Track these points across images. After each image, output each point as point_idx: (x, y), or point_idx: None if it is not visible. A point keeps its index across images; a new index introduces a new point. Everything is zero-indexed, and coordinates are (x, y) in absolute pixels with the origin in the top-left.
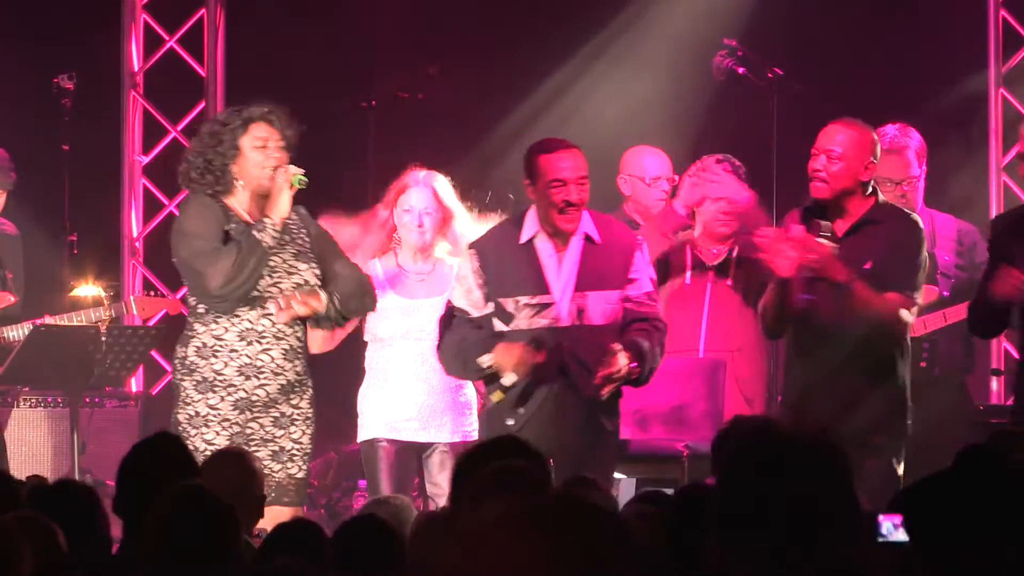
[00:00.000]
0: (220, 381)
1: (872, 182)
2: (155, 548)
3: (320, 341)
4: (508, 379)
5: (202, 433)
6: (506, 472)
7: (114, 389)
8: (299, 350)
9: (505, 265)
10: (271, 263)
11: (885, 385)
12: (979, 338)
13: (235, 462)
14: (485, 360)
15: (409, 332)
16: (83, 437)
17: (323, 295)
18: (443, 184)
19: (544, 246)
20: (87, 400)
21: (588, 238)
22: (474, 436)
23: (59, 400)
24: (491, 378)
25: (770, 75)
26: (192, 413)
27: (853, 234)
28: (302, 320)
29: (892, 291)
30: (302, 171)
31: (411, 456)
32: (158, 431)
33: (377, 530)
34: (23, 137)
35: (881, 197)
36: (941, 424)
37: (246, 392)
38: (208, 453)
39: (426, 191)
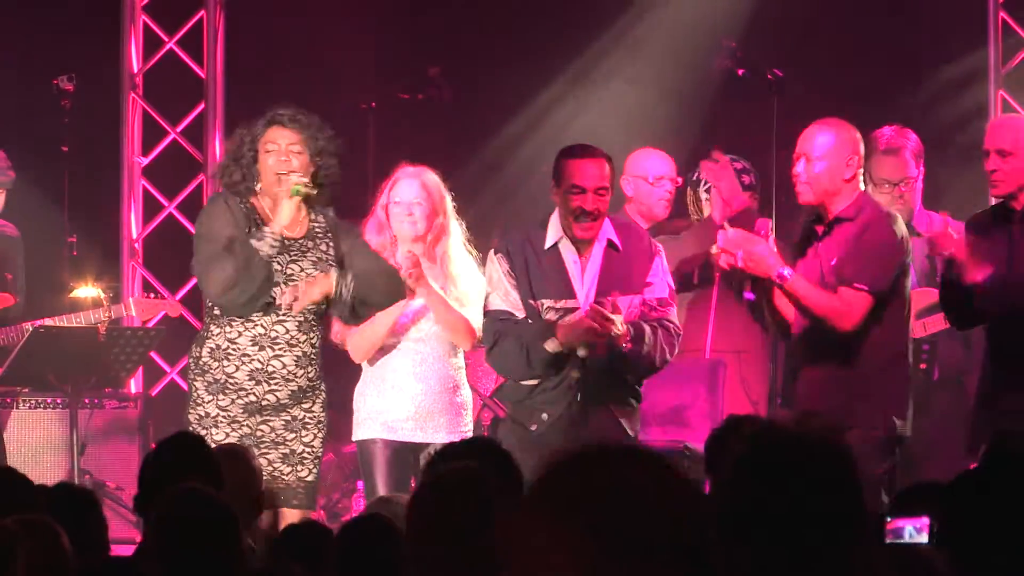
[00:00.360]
0: (231, 384)
1: (859, 179)
2: (155, 550)
3: (359, 351)
4: (582, 351)
5: (212, 434)
6: (453, 475)
7: (113, 390)
8: (312, 356)
9: (531, 268)
10: (288, 271)
11: (848, 380)
12: (961, 329)
13: (234, 460)
14: (551, 346)
15: (407, 331)
16: (82, 438)
17: (333, 274)
18: (432, 178)
19: (568, 251)
20: (86, 401)
21: (611, 244)
22: (469, 436)
23: (58, 401)
24: (559, 360)
25: (770, 76)
26: (203, 413)
27: (828, 232)
28: (316, 324)
29: (844, 285)
30: (305, 180)
31: (408, 456)
32: (179, 431)
33: (381, 531)
34: (23, 138)
35: (868, 192)
36: (941, 425)
37: (256, 396)
38: None
39: (415, 183)
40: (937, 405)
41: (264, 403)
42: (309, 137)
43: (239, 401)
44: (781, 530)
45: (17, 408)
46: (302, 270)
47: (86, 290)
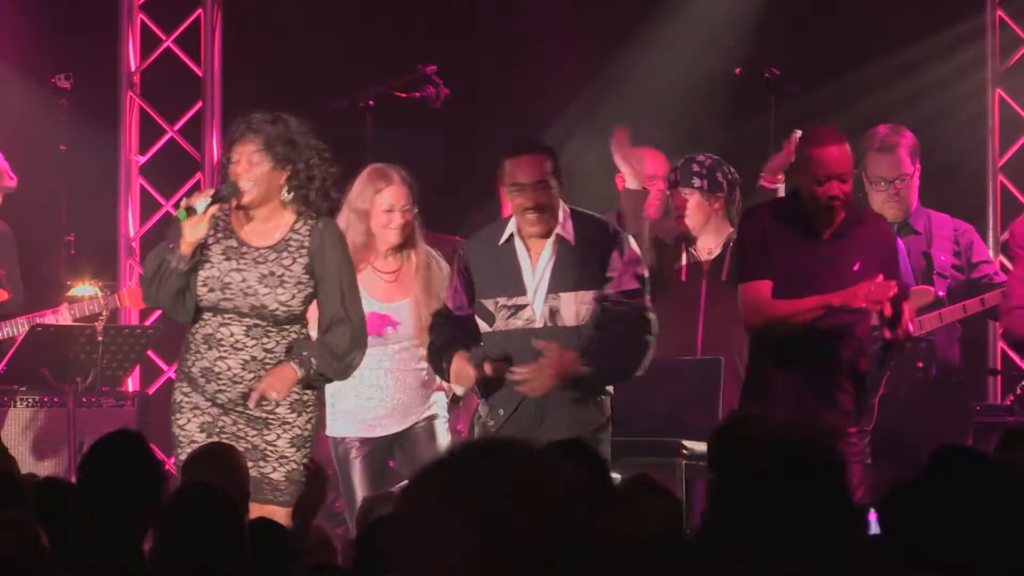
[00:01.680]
0: (191, 376)
1: None
2: (164, 546)
3: None
4: (457, 389)
5: (176, 419)
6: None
7: (111, 389)
8: (266, 362)
9: (487, 266)
10: (226, 280)
11: (856, 382)
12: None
13: (219, 458)
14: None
15: (387, 337)
16: (80, 437)
17: (299, 371)
18: (409, 179)
19: (520, 247)
20: (84, 400)
21: (562, 238)
22: (436, 412)
23: (56, 400)
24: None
25: (768, 75)
26: (173, 400)
27: (839, 237)
28: (272, 330)
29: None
30: (199, 201)
31: (384, 450)
32: (119, 428)
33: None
34: (20, 137)
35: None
36: (939, 424)
37: (209, 393)
38: (182, 439)
39: (403, 189)
40: (936, 404)
41: (218, 400)
42: (267, 145)
43: (196, 392)
44: (772, 526)
45: (15, 407)
46: (243, 280)
47: (83, 288)
